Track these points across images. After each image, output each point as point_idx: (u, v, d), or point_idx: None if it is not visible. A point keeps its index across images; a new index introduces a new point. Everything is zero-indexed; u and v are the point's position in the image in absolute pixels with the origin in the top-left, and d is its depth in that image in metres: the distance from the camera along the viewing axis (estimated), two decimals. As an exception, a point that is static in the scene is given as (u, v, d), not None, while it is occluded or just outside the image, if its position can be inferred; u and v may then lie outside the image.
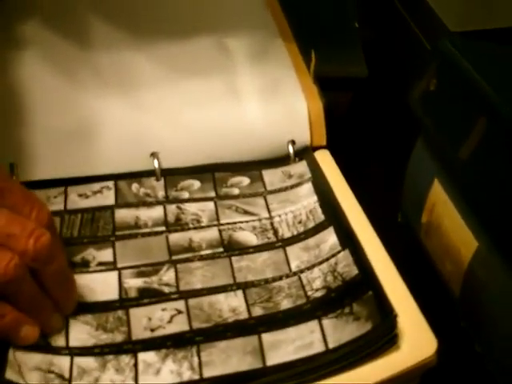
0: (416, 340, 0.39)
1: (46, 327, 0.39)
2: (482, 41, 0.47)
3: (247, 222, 0.48)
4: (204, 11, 0.60)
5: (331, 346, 0.39)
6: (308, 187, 0.50)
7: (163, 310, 0.42)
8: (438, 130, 0.43)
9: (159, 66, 0.55)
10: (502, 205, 0.36)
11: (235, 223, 0.47)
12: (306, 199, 0.49)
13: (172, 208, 0.48)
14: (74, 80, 0.53)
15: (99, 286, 0.43)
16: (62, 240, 0.45)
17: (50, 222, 0.39)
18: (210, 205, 0.49)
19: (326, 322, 0.40)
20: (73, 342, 0.39)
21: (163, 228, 0.47)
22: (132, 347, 0.39)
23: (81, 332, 0.40)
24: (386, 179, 0.56)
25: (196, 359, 0.39)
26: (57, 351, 0.39)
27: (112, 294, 0.43)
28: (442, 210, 0.43)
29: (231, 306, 0.42)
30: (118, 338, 0.40)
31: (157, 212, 0.48)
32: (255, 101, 0.53)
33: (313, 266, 0.44)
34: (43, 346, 0.39)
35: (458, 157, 0.40)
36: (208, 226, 0.47)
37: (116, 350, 0.39)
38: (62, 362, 0.38)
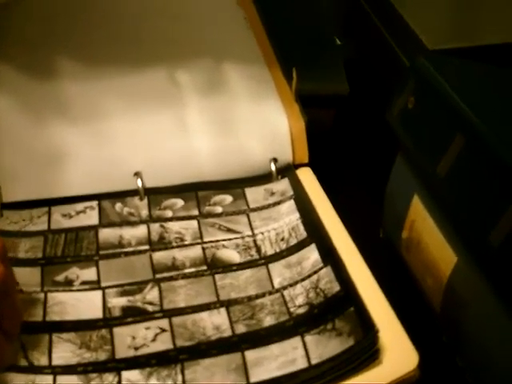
0: (398, 355, 0.39)
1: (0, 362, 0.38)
2: (459, 58, 0.48)
3: (230, 239, 0.48)
4: (186, 35, 0.61)
5: (314, 362, 0.39)
6: (290, 205, 0.50)
7: (147, 328, 0.42)
8: (416, 147, 0.44)
9: (132, 92, 0.55)
10: (480, 219, 0.37)
11: (218, 241, 0.48)
12: (289, 216, 0.49)
13: (155, 227, 0.49)
14: (49, 107, 0.54)
15: (83, 304, 0.43)
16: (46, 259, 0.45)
17: (4, 254, 0.39)
18: (194, 223, 0.49)
19: (308, 338, 0.40)
20: (56, 361, 0.39)
21: (147, 247, 0.47)
22: (116, 366, 0.40)
23: (64, 350, 0.40)
24: (368, 195, 0.56)
25: (180, 377, 0.39)
26: (39, 370, 0.39)
27: (96, 312, 0.43)
28: (422, 225, 0.43)
29: (215, 323, 0.42)
30: (102, 356, 0.40)
31: (140, 231, 0.48)
32: (237, 119, 0.54)
33: (295, 283, 0.44)
34: (25, 365, 0.39)
35: (436, 173, 0.41)
36: (191, 245, 0.48)
37: (100, 368, 0.39)
38: (45, 381, 0.38)
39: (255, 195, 0.51)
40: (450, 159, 0.40)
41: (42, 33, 0.59)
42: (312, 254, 0.46)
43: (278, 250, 0.47)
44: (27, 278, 0.44)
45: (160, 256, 0.47)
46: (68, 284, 0.44)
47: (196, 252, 0.47)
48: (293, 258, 0.46)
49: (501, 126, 0.39)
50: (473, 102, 0.41)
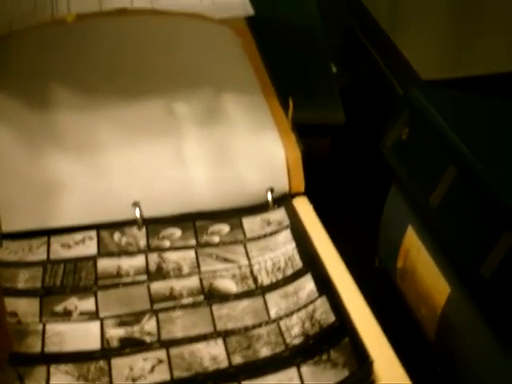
0: (392, 385, 0.39)
1: None
2: (452, 89, 0.48)
3: (227, 269, 0.48)
4: (184, 65, 0.62)
5: (309, 393, 0.39)
6: (286, 234, 0.50)
7: (145, 359, 0.42)
8: (410, 177, 0.44)
9: (130, 122, 0.56)
10: (471, 251, 0.37)
11: (215, 271, 0.48)
12: (285, 246, 0.50)
13: (153, 257, 0.49)
14: (48, 138, 0.54)
15: (81, 335, 0.43)
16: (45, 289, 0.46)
17: None
18: (191, 253, 0.50)
19: (304, 369, 0.41)
20: None
21: (145, 277, 0.48)
22: (113, 398, 0.40)
23: (61, 382, 0.40)
24: (364, 224, 0.57)
25: (177, 409, 0.39)
26: None
27: (94, 343, 0.43)
28: (416, 255, 0.44)
29: (212, 354, 0.42)
30: (100, 388, 0.40)
31: (138, 261, 0.49)
32: (234, 149, 0.54)
33: (291, 313, 0.45)
34: None
35: (429, 204, 0.41)
36: (189, 275, 0.48)
37: None
38: None
39: (252, 225, 0.52)
40: (443, 190, 0.40)
41: (40, 64, 0.60)
42: (308, 284, 0.46)
43: (274, 280, 0.47)
44: (26, 308, 0.45)
45: (158, 286, 0.47)
46: (66, 315, 0.45)
47: (193, 282, 0.47)
48: (289, 288, 0.46)
49: (492, 158, 0.40)
50: (464, 134, 0.41)
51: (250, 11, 0.71)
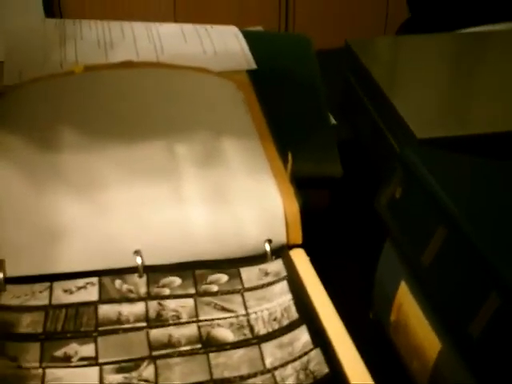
0: None
1: None
2: (447, 149, 0.50)
3: (225, 318, 0.50)
4: (185, 114, 0.64)
5: None
6: (283, 285, 0.52)
7: None
8: (403, 235, 0.46)
9: (134, 168, 0.58)
10: (460, 310, 0.39)
11: (213, 320, 0.49)
12: (281, 297, 0.51)
13: (153, 304, 0.50)
14: (53, 182, 0.56)
15: (80, 381, 0.44)
16: (46, 334, 0.47)
17: None
18: (190, 301, 0.51)
19: (297, 419, 0.42)
20: None
21: (144, 324, 0.49)
22: None
23: None
24: (360, 277, 0.58)
25: None
26: None
27: None
28: (409, 310, 0.45)
29: (208, 402, 0.43)
30: None
31: (138, 308, 0.50)
32: (234, 200, 0.56)
33: (286, 363, 0.46)
34: None
35: (420, 262, 0.43)
36: (187, 323, 0.49)
37: None
38: None
39: (250, 275, 0.53)
40: (433, 250, 0.42)
41: (48, 112, 0.62)
42: (303, 335, 0.47)
43: (270, 330, 0.48)
44: (27, 353, 0.46)
45: (157, 333, 0.48)
46: (66, 360, 0.46)
47: (191, 330, 0.49)
48: (284, 339, 0.48)
49: (482, 219, 0.41)
50: (456, 195, 0.43)
51: (253, 65, 0.73)
